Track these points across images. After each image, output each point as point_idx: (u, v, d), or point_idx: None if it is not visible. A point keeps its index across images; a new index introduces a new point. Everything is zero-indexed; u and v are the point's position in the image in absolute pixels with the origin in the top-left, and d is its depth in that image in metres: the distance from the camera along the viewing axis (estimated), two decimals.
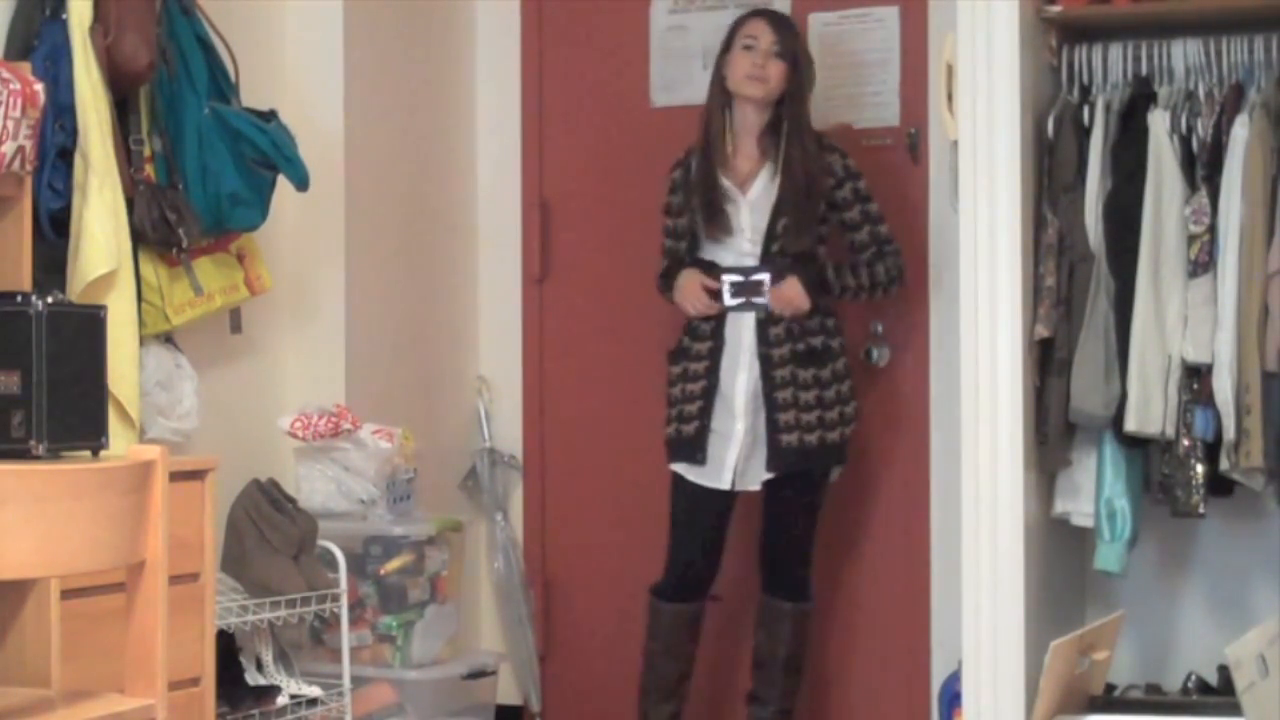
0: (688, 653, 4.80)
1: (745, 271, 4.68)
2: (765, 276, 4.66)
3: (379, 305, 5.07)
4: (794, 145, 4.66)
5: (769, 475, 4.66)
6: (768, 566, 4.78)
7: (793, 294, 4.63)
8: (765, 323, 4.66)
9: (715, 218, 4.68)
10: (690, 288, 4.69)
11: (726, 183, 4.70)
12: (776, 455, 4.64)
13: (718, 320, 4.70)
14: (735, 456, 4.65)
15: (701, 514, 4.73)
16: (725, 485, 4.67)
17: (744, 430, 4.65)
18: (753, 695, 4.80)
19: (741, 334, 4.68)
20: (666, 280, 4.81)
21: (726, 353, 4.68)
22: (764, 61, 4.65)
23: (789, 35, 4.71)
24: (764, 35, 4.67)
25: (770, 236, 4.66)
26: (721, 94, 4.72)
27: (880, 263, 4.72)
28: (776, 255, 4.66)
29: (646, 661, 4.82)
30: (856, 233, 4.73)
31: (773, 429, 4.64)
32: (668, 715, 4.79)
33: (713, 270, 4.70)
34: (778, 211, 4.66)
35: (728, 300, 4.68)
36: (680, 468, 4.71)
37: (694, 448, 4.67)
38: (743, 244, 4.68)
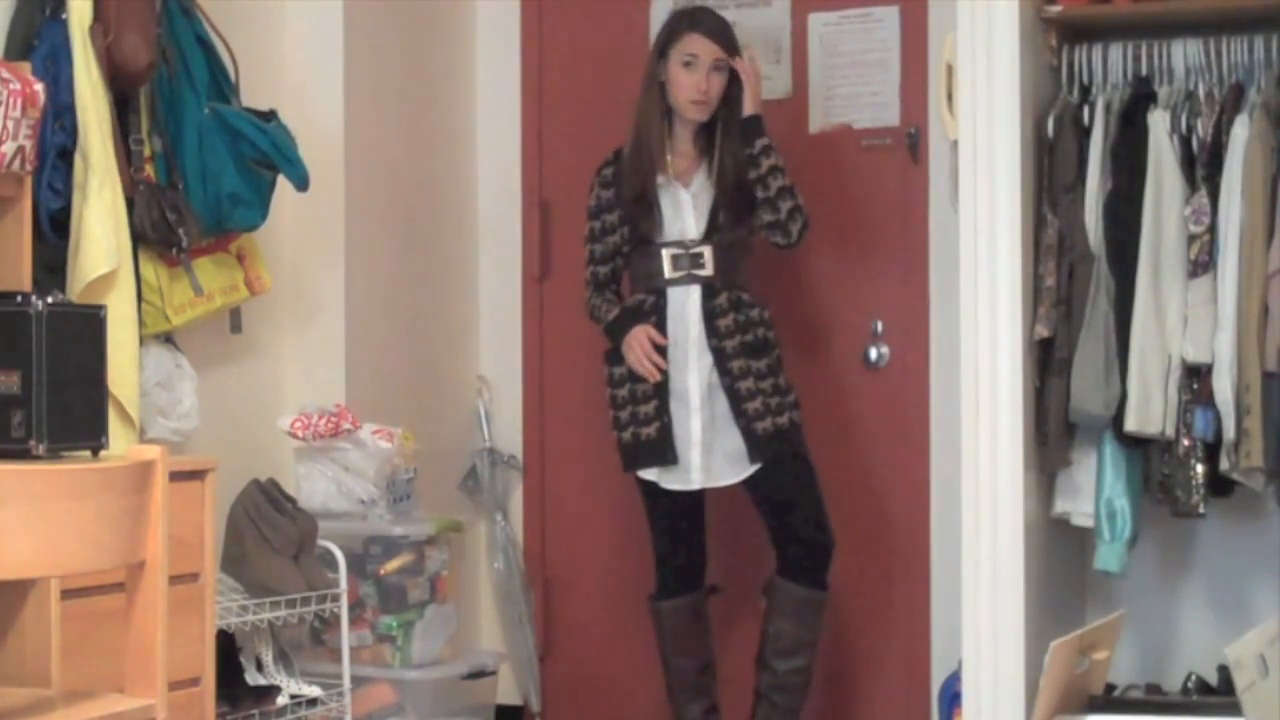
0: (700, 644, 4.79)
1: (686, 245, 4.68)
2: (706, 249, 4.66)
3: (379, 305, 5.07)
4: (726, 149, 4.68)
5: (755, 466, 4.64)
6: (792, 554, 4.70)
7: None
8: (712, 312, 4.65)
9: (647, 216, 4.68)
10: (637, 348, 4.65)
11: (665, 178, 4.70)
12: (757, 445, 4.63)
13: (658, 313, 4.68)
14: (698, 454, 4.65)
15: (678, 515, 4.73)
16: (695, 485, 4.67)
17: (700, 427, 4.64)
18: (766, 665, 4.73)
19: (689, 326, 4.66)
20: (598, 300, 4.77)
21: (673, 347, 4.67)
22: (706, 82, 4.66)
23: (728, 43, 4.69)
24: (704, 52, 4.66)
25: (712, 226, 4.67)
26: (659, 99, 4.71)
27: (785, 200, 4.66)
28: (717, 241, 4.67)
29: (664, 665, 4.82)
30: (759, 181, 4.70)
31: (745, 419, 4.62)
32: (700, 713, 4.78)
33: (651, 247, 4.68)
34: (716, 205, 4.67)
35: (668, 274, 4.68)
36: (651, 474, 4.69)
37: (662, 448, 4.65)
38: (686, 229, 4.68)
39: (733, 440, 4.64)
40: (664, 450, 4.66)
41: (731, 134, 4.68)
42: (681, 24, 4.74)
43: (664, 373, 4.66)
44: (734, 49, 4.69)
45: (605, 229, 4.77)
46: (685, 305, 4.68)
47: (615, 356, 4.74)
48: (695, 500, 4.73)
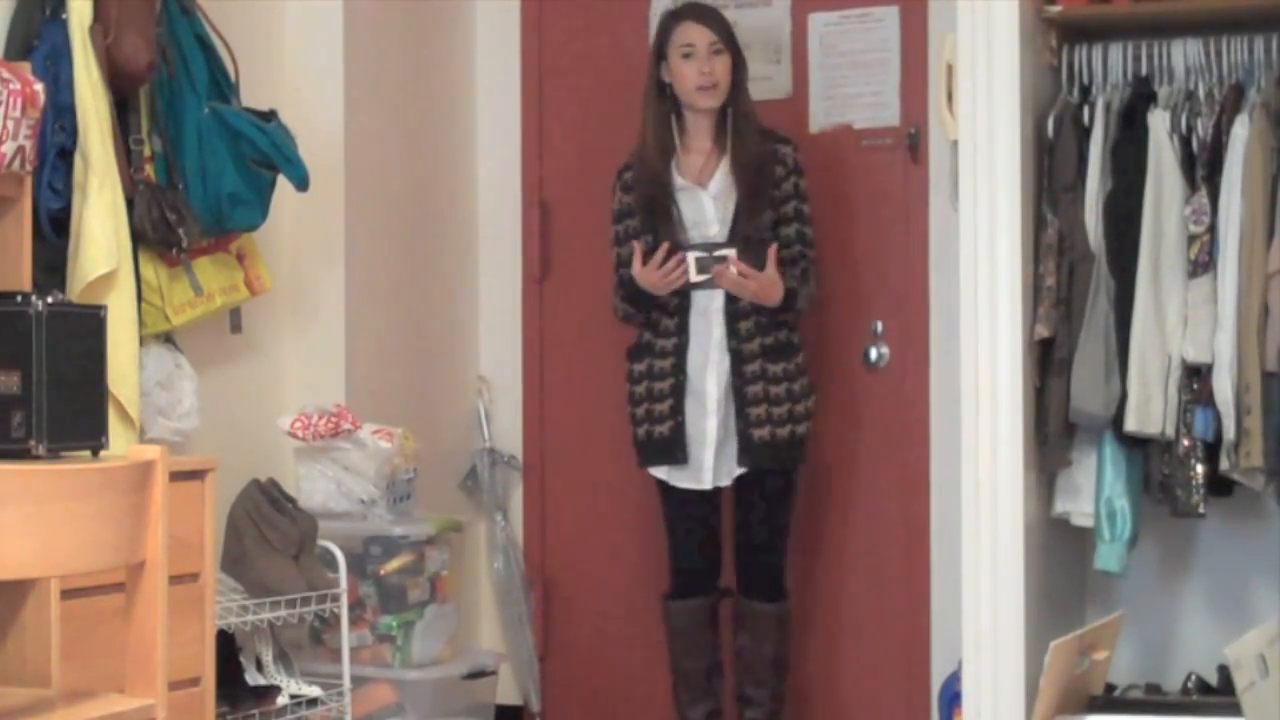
0: (710, 647, 4.79)
1: (709, 247, 4.67)
2: (730, 251, 4.64)
3: (379, 305, 5.07)
4: (739, 136, 4.68)
5: (740, 470, 4.65)
6: (745, 569, 4.76)
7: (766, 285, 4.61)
8: (734, 314, 4.65)
9: (665, 220, 4.67)
10: (650, 274, 4.62)
11: (684, 181, 4.70)
12: (749, 450, 4.63)
13: (681, 313, 4.68)
14: (711, 454, 4.65)
15: (693, 515, 4.73)
16: (707, 485, 4.67)
17: (716, 427, 4.64)
18: (745, 696, 4.79)
19: (711, 327, 4.66)
20: (625, 295, 4.75)
21: (694, 347, 4.67)
22: (709, 66, 4.66)
23: (721, 26, 4.72)
24: (700, 38, 4.68)
25: (736, 226, 4.67)
26: (664, 100, 4.72)
27: (804, 287, 4.71)
28: (741, 240, 4.66)
29: (673, 665, 4.82)
30: (786, 227, 4.72)
31: (744, 423, 4.63)
32: (704, 715, 4.78)
33: (678, 250, 4.65)
34: (740, 205, 4.67)
35: (693, 276, 4.66)
36: (661, 472, 4.71)
37: (673, 447, 4.66)
38: (710, 230, 4.68)
39: (735, 442, 4.65)
40: (674, 449, 4.66)
41: (743, 120, 4.69)
42: (671, 20, 4.77)
43: (684, 372, 4.66)
44: (728, 33, 4.71)
45: (630, 234, 4.76)
46: (709, 307, 4.67)
47: (635, 353, 4.75)
48: (709, 501, 4.72)
